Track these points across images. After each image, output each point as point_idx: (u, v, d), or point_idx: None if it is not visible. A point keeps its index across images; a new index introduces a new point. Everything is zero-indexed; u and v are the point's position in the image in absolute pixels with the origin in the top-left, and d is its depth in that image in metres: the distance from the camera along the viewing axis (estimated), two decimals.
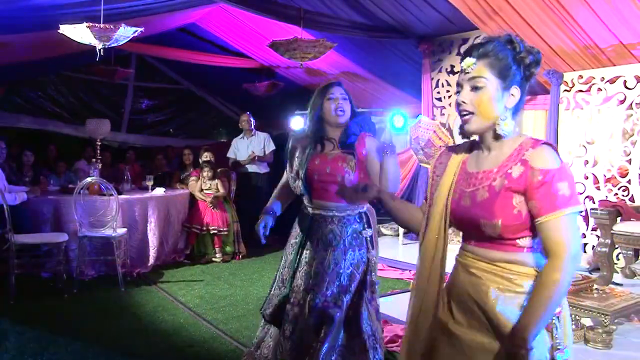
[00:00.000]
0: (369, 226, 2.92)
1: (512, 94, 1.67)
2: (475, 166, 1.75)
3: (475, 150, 1.79)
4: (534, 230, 1.61)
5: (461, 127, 1.72)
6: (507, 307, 1.60)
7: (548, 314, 1.55)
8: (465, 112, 1.68)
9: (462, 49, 6.47)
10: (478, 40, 1.73)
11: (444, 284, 1.79)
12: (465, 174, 1.76)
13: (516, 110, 1.70)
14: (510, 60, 1.66)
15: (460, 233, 1.79)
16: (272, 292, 3.04)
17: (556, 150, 1.64)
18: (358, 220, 2.89)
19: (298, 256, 2.92)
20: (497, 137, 1.68)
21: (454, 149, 1.88)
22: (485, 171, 1.69)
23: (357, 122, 2.93)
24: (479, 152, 1.76)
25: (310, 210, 2.92)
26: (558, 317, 1.65)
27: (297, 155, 2.96)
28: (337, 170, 2.83)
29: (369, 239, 2.90)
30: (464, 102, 1.68)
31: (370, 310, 2.82)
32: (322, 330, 2.71)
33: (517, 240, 1.62)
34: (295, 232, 3.01)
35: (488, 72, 1.65)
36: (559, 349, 1.63)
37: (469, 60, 1.68)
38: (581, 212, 1.61)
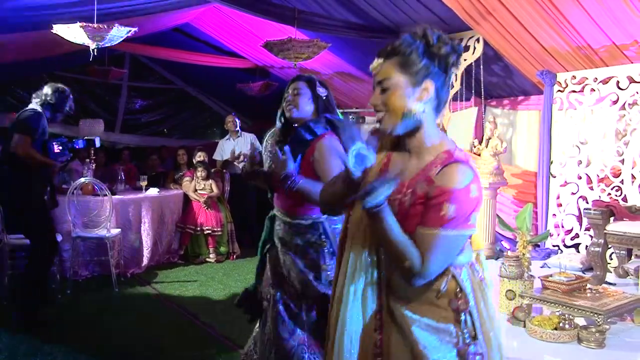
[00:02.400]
0: (327, 237, 2.70)
1: (425, 88, 1.63)
2: (396, 170, 1.71)
3: (399, 150, 1.74)
4: None
5: (376, 128, 1.70)
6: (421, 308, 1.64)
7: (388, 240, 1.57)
8: (378, 114, 1.67)
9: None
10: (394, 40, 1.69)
11: None
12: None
13: (438, 106, 1.68)
14: (420, 54, 1.62)
15: None
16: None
17: (470, 166, 1.62)
18: (309, 230, 2.70)
19: (265, 251, 2.89)
20: (418, 142, 1.67)
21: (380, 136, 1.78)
22: (402, 183, 1.64)
23: (310, 125, 2.69)
24: (403, 154, 1.73)
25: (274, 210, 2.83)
26: (470, 312, 1.66)
27: (266, 153, 2.89)
28: (278, 175, 2.57)
29: (324, 250, 2.69)
30: (375, 104, 1.67)
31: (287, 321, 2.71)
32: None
33: None
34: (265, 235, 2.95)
35: (395, 70, 1.63)
36: (469, 344, 1.64)
37: (375, 62, 1.68)
38: (468, 236, 1.62)
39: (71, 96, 4.63)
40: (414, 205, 1.61)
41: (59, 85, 4.61)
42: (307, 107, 2.72)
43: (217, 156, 7.72)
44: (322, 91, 2.76)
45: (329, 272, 2.66)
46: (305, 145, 2.65)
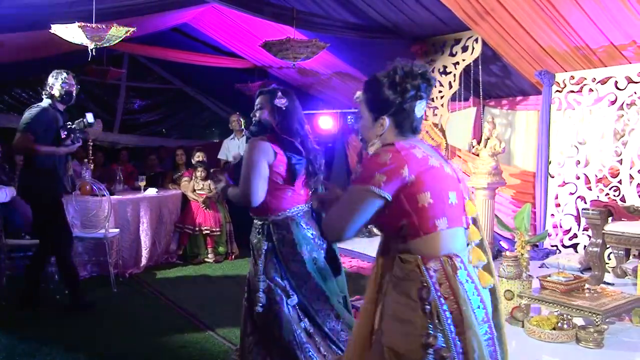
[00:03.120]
0: (269, 239, 2.89)
1: (381, 124, 1.89)
2: None
3: None
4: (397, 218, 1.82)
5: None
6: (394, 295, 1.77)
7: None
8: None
9: (455, 50, 6.49)
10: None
11: None
12: None
13: (401, 129, 1.89)
14: (383, 92, 1.87)
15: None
16: None
17: (396, 149, 1.80)
18: (259, 232, 2.94)
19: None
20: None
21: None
22: None
23: (250, 128, 3.00)
24: None
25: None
26: (437, 308, 1.68)
27: None
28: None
29: (262, 252, 2.89)
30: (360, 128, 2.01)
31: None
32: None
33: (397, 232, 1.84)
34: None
35: (363, 105, 1.95)
36: (430, 333, 1.66)
37: (356, 94, 2.02)
38: (371, 192, 1.76)
39: (65, 75, 4.67)
40: None
41: (55, 70, 4.67)
42: (267, 120, 2.95)
43: (221, 155, 7.71)
44: (281, 102, 2.94)
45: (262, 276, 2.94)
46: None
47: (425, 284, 1.70)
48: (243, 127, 7.65)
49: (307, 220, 2.92)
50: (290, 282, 2.84)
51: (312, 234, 2.91)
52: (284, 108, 2.91)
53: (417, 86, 1.85)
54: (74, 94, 4.77)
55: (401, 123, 1.89)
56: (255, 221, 2.98)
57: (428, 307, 1.68)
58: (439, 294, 1.69)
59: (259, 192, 2.79)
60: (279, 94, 2.94)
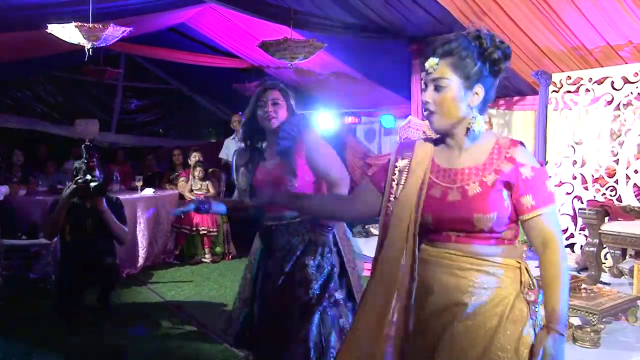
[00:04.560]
0: (327, 232, 2.73)
1: (476, 93, 1.68)
2: (448, 163, 1.75)
3: (441, 147, 1.80)
4: (515, 224, 1.70)
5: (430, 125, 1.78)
6: (494, 301, 1.66)
7: (566, 296, 1.63)
8: (428, 111, 1.72)
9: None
10: (447, 37, 1.73)
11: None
12: (441, 170, 1.76)
13: (483, 106, 1.73)
14: (475, 58, 1.67)
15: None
16: (232, 315, 2.96)
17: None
18: (313, 227, 2.72)
19: (258, 271, 2.83)
20: (469, 135, 1.72)
21: (417, 141, 1.89)
22: (470, 167, 1.70)
23: (291, 122, 2.75)
24: (448, 150, 1.78)
25: (268, 222, 2.78)
26: (536, 303, 1.70)
27: (241, 171, 2.85)
28: (279, 181, 2.67)
29: (324, 245, 2.72)
30: (427, 102, 1.72)
31: (324, 318, 2.67)
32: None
33: (503, 233, 1.68)
34: (255, 247, 2.92)
35: (450, 71, 1.67)
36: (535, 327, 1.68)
37: (432, 61, 1.71)
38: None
39: None
40: (499, 183, 1.65)
41: None
42: (284, 117, 2.76)
43: (222, 155, 7.72)
44: (292, 101, 2.83)
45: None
46: (293, 140, 2.69)
47: (532, 287, 1.70)
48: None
49: None
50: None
51: None
52: (293, 105, 2.81)
53: (508, 55, 1.71)
54: None
55: (488, 97, 1.72)
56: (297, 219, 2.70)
57: (536, 308, 1.69)
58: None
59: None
60: (288, 91, 2.82)
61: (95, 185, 4.41)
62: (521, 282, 1.69)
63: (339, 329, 2.67)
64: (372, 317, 1.76)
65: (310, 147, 2.68)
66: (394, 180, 1.82)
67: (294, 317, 2.64)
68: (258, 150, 2.84)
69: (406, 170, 1.81)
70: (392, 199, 1.81)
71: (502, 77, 1.74)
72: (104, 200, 4.47)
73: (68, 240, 4.51)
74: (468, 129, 1.70)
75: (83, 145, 4.72)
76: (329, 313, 2.67)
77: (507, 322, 1.63)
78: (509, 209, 1.66)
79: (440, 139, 1.79)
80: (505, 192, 1.66)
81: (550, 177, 1.72)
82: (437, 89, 1.69)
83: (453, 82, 1.67)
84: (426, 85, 1.73)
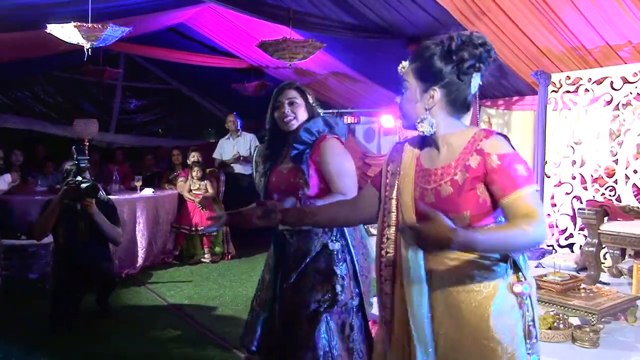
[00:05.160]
0: (340, 238, 2.67)
1: (431, 96, 1.71)
2: (430, 163, 1.77)
3: (426, 147, 1.82)
4: (496, 217, 1.68)
5: None
6: (470, 295, 1.67)
7: (493, 246, 1.58)
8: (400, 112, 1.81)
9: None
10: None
11: None
12: (422, 171, 1.78)
13: (453, 107, 1.73)
14: (437, 60, 1.69)
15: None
16: (249, 320, 2.84)
17: (509, 140, 1.71)
18: (326, 232, 2.65)
19: (275, 276, 2.74)
20: (440, 137, 1.74)
21: (405, 143, 1.90)
22: (443, 167, 1.71)
23: (310, 126, 2.66)
24: (430, 149, 1.80)
25: (280, 228, 2.68)
26: (530, 296, 1.71)
27: (259, 171, 2.81)
28: (291, 187, 2.62)
29: (337, 251, 2.65)
30: (396, 103, 1.81)
31: (334, 325, 2.61)
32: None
33: (487, 227, 1.67)
34: (271, 251, 2.84)
35: (412, 75, 1.75)
36: (530, 325, 1.69)
37: (401, 65, 1.79)
38: (537, 191, 1.66)
39: None
40: (469, 180, 1.65)
41: None
42: (303, 117, 2.71)
43: (216, 155, 7.72)
44: (312, 100, 2.77)
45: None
46: (307, 146, 2.64)
47: (520, 279, 1.70)
48: (239, 127, 7.66)
49: None
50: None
51: None
52: (313, 105, 2.75)
53: (477, 56, 1.70)
54: None
55: (454, 97, 1.72)
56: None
57: (526, 300, 1.70)
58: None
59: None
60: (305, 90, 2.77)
61: (85, 187, 4.36)
62: (507, 273, 1.69)
63: (347, 336, 2.62)
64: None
65: (324, 154, 2.61)
66: (387, 183, 1.86)
67: (303, 323, 2.58)
68: (276, 152, 2.78)
69: (397, 172, 1.83)
70: (387, 200, 1.84)
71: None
72: (94, 202, 4.43)
73: (61, 243, 4.48)
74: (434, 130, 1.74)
75: (73, 147, 4.68)
76: (339, 320, 2.62)
77: (494, 314, 1.64)
78: (486, 204, 1.65)
79: (425, 138, 1.81)
80: (479, 188, 1.65)
81: (523, 161, 1.65)
82: (401, 91, 1.78)
83: (411, 84, 1.75)
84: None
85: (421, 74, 1.72)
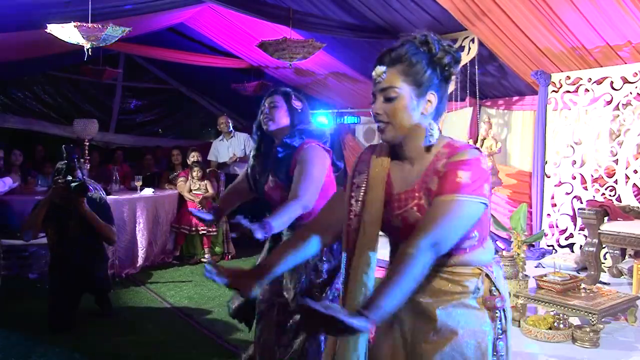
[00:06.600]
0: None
1: (429, 100, 1.61)
2: (400, 181, 1.68)
3: (396, 159, 1.70)
4: (477, 230, 1.62)
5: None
6: (454, 310, 1.62)
7: (402, 298, 1.45)
8: (381, 123, 1.63)
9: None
10: (394, 44, 1.63)
11: None
12: (390, 192, 1.68)
13: (437, 114, 1.65)
14: (425, 64, 1.59)
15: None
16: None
17: (475, 147, 1.63)
18: None
19: None
20: (425, 142, 1.62)
21: (374, 150, 1.78)
22: (407, 191, 1.64)
23: (294, 133, 2.71)
24: (402, 163, 1.69)
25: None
26: (503, 310, 1.67)
27: (256, 172, 2.86)
28: (278, 195, 2.72)
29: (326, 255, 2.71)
30: (377, 114, 1.62)
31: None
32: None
33: (460, 244, 1.61)
34: (266, 248, 2.99)
35: (400, 80, 1.58)
36: (500, 338, 1.66)
37: (379, 69, 1.61)
38: (485, 204, 1.58)
39: None
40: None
41: None
42: (282, 120, 2.74)
43: (211, 157, 7.72)
44: (297, 104, 2.79)
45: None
46: (287, 161, 2.67)
47: (494, 293, 1.66)
48: (232, 128, 7.65)
49: None
50: None
51: None
52: (299, 110, 2.78)
53: (457, 61, 1.64)
54: None
55: (440, 104, 1.63)
56: None
57: (498, 314, 1.65)
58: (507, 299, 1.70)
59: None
60: (294, 95, 2.81)
61: (75, 186, 4.33)
62: (479, 288, 1.64)
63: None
64: None
65: (299, 159, 2.63)
66: (352, 197, 1.73)
67: (287, 329, 2.69)
68: (265, 153, 2.81)
69: (363, 185, 1.72)
70: (352, 217, 1.71)
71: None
72: (84, 200, 4.40)
73: (52, 243, 4.46)
74: (425, 137, 1.62)
75: (63, 146, 4.65)
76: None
77: (466, 330, 1.60)
78: None
79: (394, 150, 1.70)
80: None
81: (473, 170, 1.55)
82: (388, 99, 1.59)
83: (404, 90, 1.58)
84: (375, 96, 1.63)
85: (414, 78, 1.58)
